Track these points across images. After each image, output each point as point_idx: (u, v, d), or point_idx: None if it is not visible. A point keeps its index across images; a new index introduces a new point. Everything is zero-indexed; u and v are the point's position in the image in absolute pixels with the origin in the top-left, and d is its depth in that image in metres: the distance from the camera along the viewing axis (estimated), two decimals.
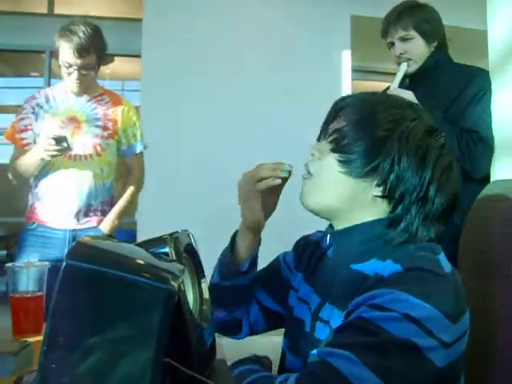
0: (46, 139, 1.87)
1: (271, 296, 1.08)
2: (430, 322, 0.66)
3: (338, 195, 0.84)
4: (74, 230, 2.04)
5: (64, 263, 0.52)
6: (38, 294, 1.22)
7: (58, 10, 3.99)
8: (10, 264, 1.23)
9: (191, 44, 3.50)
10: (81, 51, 1.92)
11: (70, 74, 1.98)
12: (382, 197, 0.81)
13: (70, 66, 1.95)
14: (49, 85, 3.57)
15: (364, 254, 0.81)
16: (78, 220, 2.05)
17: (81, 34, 1.92)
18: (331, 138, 0.86)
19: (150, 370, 0.53)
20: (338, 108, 0.89)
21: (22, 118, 2.06)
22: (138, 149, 2.21)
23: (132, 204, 2.24)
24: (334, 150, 0.84)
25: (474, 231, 1.05)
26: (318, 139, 0.93)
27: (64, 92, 2.08)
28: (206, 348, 0.79)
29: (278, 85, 3.63)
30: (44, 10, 3.93)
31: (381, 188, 0.80)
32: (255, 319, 1.09)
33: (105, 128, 2.09)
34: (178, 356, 0.60)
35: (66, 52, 1.92)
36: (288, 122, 3.54)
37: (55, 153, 1.87)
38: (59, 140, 1.86)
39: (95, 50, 1.98)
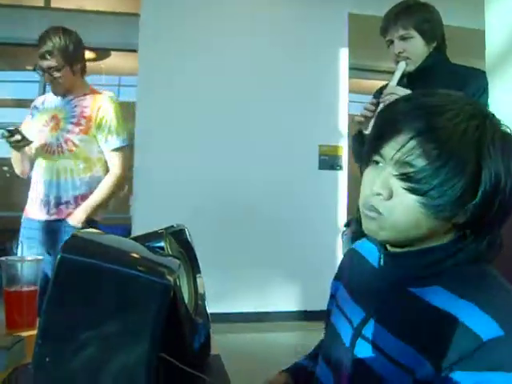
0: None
1: None
2: None
3: (418, 233, 0.73)
4: (45, 220, 2.17)
5: (59, 256, 0.52)
6: (32, 288, 1.22)
7: (54, 4, 3.97)
8: (3, 258, 1.22)
9: (188, 39, 3.49)
10: (43, 54, 2.13)
11: (43, 76, 2.20)
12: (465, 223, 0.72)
13: (41, 69, 2.16)
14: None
15: (426, 279, 0.74)
16: (48, 211, 2.17)
17: (46, 40, 2.14)
18: (401, 172, 0.70)
19: (145, 364, 0.53)
20: (395, 120, 0.72)
21: (25, 121, 2.27)
22: (114, 144, 2.25)
23: (108, 198, 2.28)
24: (411, 192, 0.70)
25: None
26: (369, 157, 0.77)
27: (54, 94, 2.26)
28: (200, 343, 0.79)
29: (274, 82, 3.63)
30: (41, 3, 3.91)
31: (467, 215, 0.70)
32: None
33: (77, 124, 2.20)
34: (173, 350, 0.60)
35: (36, 57, 2.15)
36: (284, 119, 3.53)
37: (13, 144, 2.08)
38: (12, 132, 2.03)
39: (60, 52, 2.15)
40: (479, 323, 0.65)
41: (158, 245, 0.73)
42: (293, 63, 3.67)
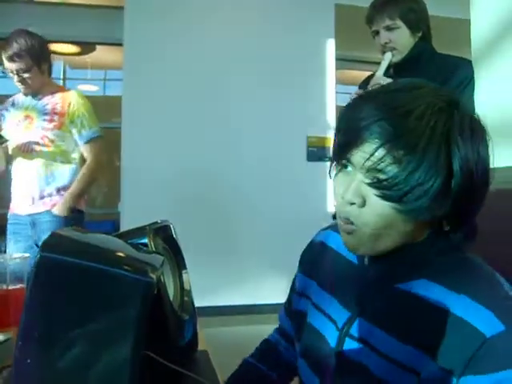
0: None
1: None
2: None
3: (399, 237, 0.71)
4: (30, 214, 2.32)
5: (38, 255, 0.51)
6: (19, 286, 1.21)
7: None
8: None
9: (173, 30, 3.47)
10: (12, 57, 2.23)
11: (13, 78, 2.30)
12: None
13: (10, 71, 2.27)
14: None
15: (410, 274, 0.73)
16: (33, 204, 2.32)
17: (12, 43, 2.23)
18: (373, 180, 0.68)
19: (129, 363, 0.53)
20: (360, 127, 0.69)
21: None
22: (88, 137, 2.41)
23: (88, 187, 2.47)
24: (385, 199, 0.68)
25: None
26: (337, 161, 0.75)
27: (24, 95, 2.40)
28: (187, 339, 0.79)
29: (261, 74, 3.62)
30: None
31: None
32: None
33: (50, 121, 2.33)
34: (159, 348, 0.59)
35: (4, 60, 2.25)
36: (272, 110, 3.52)
37: None
38: None
39: (28, 53, 2.25)
40: (479, 318, 0.64)
41: (142, 241, 0.72)
42: (279, 54, 3.66)
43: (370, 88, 1.74)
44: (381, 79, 1.68)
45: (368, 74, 1.97)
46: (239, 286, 3.53)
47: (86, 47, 4.17)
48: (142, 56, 3.40)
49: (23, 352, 0.51)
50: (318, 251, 0.94)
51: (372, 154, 0.66)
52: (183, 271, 0.87)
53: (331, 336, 0.79)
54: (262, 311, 3.54)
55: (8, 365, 0.84)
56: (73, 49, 4.14)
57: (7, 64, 2.26)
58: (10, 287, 1.20)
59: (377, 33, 1.75)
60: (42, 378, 0.51)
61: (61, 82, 5.23)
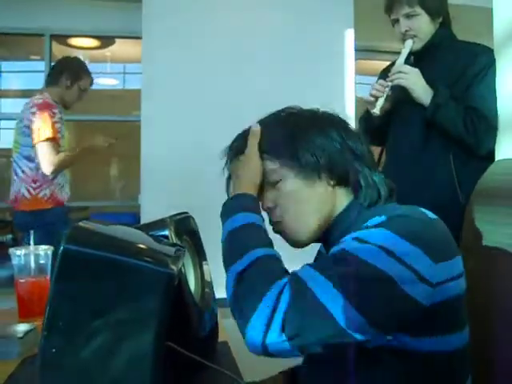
0: None
1: None
2: (407, 256, 0.67)
3: (314, 210, 0.84)
4: None
5: (61, 247, 0.52)
6: (43, 277, 1.23)
7: None
8: (14, 248, 1.23)
9: (192, 24, 3.47)
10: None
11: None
12: (337, 183, 0.85)
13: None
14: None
15: (345, 234, 0.80)
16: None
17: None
18: (268, 182, 0.86)
19: (151, 353, 0.53)
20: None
21: (56, 122, 2.41)
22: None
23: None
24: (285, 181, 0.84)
25: (479, 209, 1.04)
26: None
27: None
28: (207, 330, 0.79)
29: (279, 66, 3.60)
30: None
31: (328, 177, 0.84)
32: None
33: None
34: (180, 339, 0.60)
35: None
36: (289, 103, 3.50)
37: None
38: None
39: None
40: (372, 222, 0.75)
41: (163, 233, 0.73)
42: (298, 45, 3.63)
43: (391, 76, 1.73)
44: (401, 67, 1.65)
45: (385, 63, 1.95)
46: None
47: (106, 41, 4.19)
48: (160, 49, 3.41)
49: (49, 341, 0.52)
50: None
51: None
52: (204, 262, 0.88)
53: None
54: None
55: (33, 354, 0.86)
56: (92, 43, 4.17)
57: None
58: (35, 279, 1.22)
59: (396, 21, 1.72)
60: (67, 367, 0.52)
61: None
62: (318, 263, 0.73)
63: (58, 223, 2.39)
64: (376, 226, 0.73)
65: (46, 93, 2.49)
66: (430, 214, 0.78)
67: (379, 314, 0.66)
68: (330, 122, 0.90)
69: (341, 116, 0.95)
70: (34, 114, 2.36)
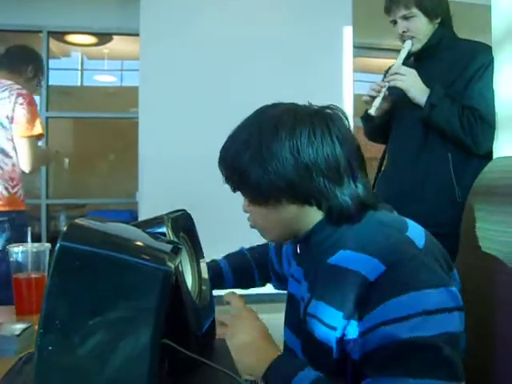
0: None
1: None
2: (442, 303, 0.70)
3: (277, 227, 0.86)
4: None
5: (58, 245, 0.51)
6: (40, 274, 1.23)
7: None
8: (11, 246, 1.23)
9: (190, 22, 3.46)
10: None
11: None
12: (303, 203, 0.82)
13: None
14: (47, 65, 3.53)
15: (332, 248, 0.83)
16: None
17: None
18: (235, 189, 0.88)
19: (148, 351, 0.53)
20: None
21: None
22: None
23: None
24: (250, 202, 0.86)
25: (477, 207, 1.04)
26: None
27: None
28: (204, 328, 0.79)
29: (277, 61, 3.59)
30: None
31: (289, 200, 0.82)
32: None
33: None
34: (177, 336, 0.60)
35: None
36: (286, 99, 3.49)
37: None
38: None
39: None
40: (367, 267, 0.73)
41: (160, 230, 0.73)
42: (295, 42, 3.62)
43: (388, 77, 1.73)
44: (398, 68, 1.65)
45: (387, 61, 1.95)
46: None
47: (103, 38, 4.18)
48: (158, 46, 3.40)
49: (45, 339, 0.52)
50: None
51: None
52: (201, 260, 0.87)
53: (302, 315, 0.89)
54: (281, 300, 3.55)
55: (30, 352, 0.86)
56: (90, 39, 4.15)
57: None
58: (32, 276, 1.22)
59: (395, 22, 1.72)
60: (63, 365, 0.52)
61: (78, 73, 5.27)
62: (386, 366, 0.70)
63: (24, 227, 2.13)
64: (378, 280, 0.72)
65: (7, 81, 2.23)
66: (417, 239, 0.78)
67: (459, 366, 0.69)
68: (290, 134, 0.81)
69: (325, 111, 0.87)
70: (21, 104, 2.16)
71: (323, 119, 0.83)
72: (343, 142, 0.81)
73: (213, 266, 1.18)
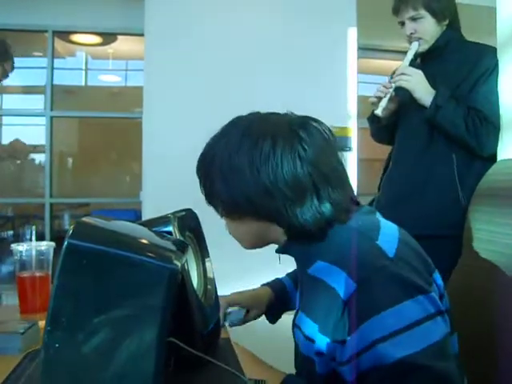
0: None
1: None
2: (423, 312, 0.69)
3: (250, 238, 0.86)
4: None
5: (65, 243, 0.52)
6: (44, 273, 1.23)
7: None
8: (15, 244, 1.23)
9: (195, 21, 3.46)
10: None
11: None
12: (265, 220, 0.80)
13: None
14: (52, 65, 3.54)
15: (309, 259, 0.82)
16: None
17: None
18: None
19: (154, 349, 0.53)
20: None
21: None
22: None
23: None
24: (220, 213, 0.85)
25: (480, 209, 1.04)
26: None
27: None
28: (210, 327, 0.80)
29: (281, 64, 3.59)
30: None
31: (252, 214, 0.80)
32: None
33: None
34: (182, 335, 0.60)
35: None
36: (291, 101, 3.49)
37: None
38: None
39: None
40: (339, 282, 0.72)
41: (166, 229, 0.73)
42: (299, 44, 3.62)
43: (395, 78, 1.73)
44: (405, 69, 1.65)
45: (392, 63, 1.95)
46: (262, 273, 3.53)
47: (108, 38, 4.18)
48: (163, 46, 3.40)
49: (52, 337, 0.52)
50: None
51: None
52: (206, 259, 0.88)
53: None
54: None
55: (33, 350, 0.86)
56: (94, 39, 4.16)
57: None
58: (36, 274, 1.22)
59: (402, 23, 1.72)
60: (70, 362, 0.52)
61: (83, 73, 5.28)
62: None
63: None
64: (349, 299, 0.70)
65: None
66: (387, 247, 0.75)
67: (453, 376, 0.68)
68: (251, 148, 0.78)
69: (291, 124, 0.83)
70: None
71: (290, 134, 0.79)
72: (306, 160, 0.76)
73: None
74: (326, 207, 0.77)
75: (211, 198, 0.83)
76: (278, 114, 0.88)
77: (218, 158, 0.81)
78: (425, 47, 1.69)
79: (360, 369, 0.69)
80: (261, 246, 0.89)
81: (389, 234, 0.79)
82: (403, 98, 1.69)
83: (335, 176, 0.80)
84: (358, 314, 0.69)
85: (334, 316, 0.71)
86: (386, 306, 0.67)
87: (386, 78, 1.90)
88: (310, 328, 0.77)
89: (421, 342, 0.66)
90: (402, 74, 1.63)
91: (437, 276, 0.80)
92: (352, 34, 3.73)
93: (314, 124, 0.83)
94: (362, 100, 3.58)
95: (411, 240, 0.81)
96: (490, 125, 1.51)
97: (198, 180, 0.88)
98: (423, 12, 1.65)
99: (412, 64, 1.69)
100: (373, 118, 1.79)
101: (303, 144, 0.77)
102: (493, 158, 1.48)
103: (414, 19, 1.67)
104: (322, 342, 0.74)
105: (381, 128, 1.81)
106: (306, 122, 0.83)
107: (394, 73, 1.80)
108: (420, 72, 1.62)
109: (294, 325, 0.86)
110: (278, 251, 0.87)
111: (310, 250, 0.81)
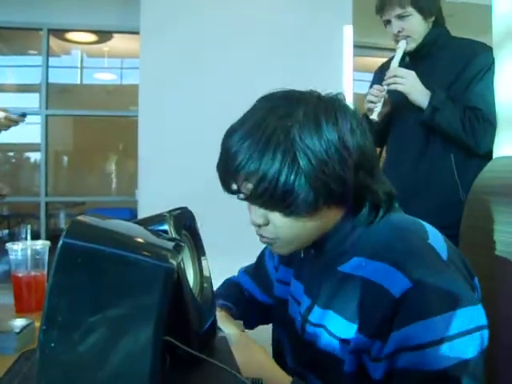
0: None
1: (261, 288, 1.11)
2: (468, 324, 0.67)
3: (308, 236, 0.80)
4: None
5: (60, 241, 0.51)
6: (39, 272, 1.23)
7: None
8: (11, 243, 1.23)
9: (191, 19, 3.46)
10: None
11: None
12: (343, 203, 0.77)
13: None
14: (47, 63, 3.53)
15: (345, 255, 0.79)
16: None
17: None
18: (259, 202, 0.76)
19: (150, 348, 0.53)
20: (233, 159, 0.76)
21: None
22: None
23: None
24: (282, 215, 0.76)
25: (477, 207, 1.04)
26: (233, 193, 0.82)
27: None
28: (206, 325, 0.79)
29: (277, 60, 3.59)
30: None
31: (324, 206, 0.75)
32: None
33: None
34: (178, 334, 0.60)
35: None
36: None
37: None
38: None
39: None
40: (389, 279, 0.69)
41: (162, 228, 0.73)
42: (295, 42, 3.62)
43: (386, 80, 1.73)
44: (397, 70, 1.65)
45: (383, 60, 1.94)
46: None
47: (103, 36, 4.18)
48: (158, 44, 3.40)
49: (47, 336, 0.52)
50: None
51: (253, 189, 0.73)
52: (202, 258, 0.87)
53: (299, 323, 0.86)
54: None
55: (28, 350, 0.86)
56: (90, 37, 4.16)
57: None
58: (31, 273, 1.22)
59: (388, 22, 1.71)
60: (66, 361, 0.52)
61: (78, 71, 5.26)
62: None
63: None
64: (404, 297, 0.67)
65: None
66: (440, 248, 0.73)
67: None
68: (333, 123, 0.72)
69: (338, 102, 0.79)
70: None
71: (347, 109, 0.76)
72: (365, 134, 0.76)
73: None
74: (387, 185, 0.79)
75: (273, 198, 0.73)
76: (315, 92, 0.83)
77: (286, 142, 0.70)
78: (413, 46, 1.69)
79: (394, 367, 0.68)
80: (300, 248, 0.83)
81: (436, 234, 0.76)
82: (396, 100, 1.69)
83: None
84: (408, 313, 0.67)
85: (381, 315, 0.69)
86: (439, 310, 0.66)
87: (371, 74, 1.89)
88: (345, 328, 0.74)
89: (459, 354, 0.65)
90: (395, 76, 1.62)
91: (476, 280, 0.78)
92: (348, 31, 3.74)
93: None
94: (357, 98, 3.59)
95: (451, 242, 0.78)
96: (487, 122, 1.52)
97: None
98: (410, 9, 1.64)
99: (401, 63, 1.69)
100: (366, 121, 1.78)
101: (357, 119, 0.76)
102: (489, 156, 1.48)
103: (400, 17, 1.66)
104: (361, 340, 0.71)
105: (374, 132, 1.81)
106: (339, 96, 0.81)
107: (379, 70, 1.79)
108: (413, 73, 1.61)
109: (307, 321, 0.83)
110: (310, 246, 0.82)
111: (346, 245, 0.78)
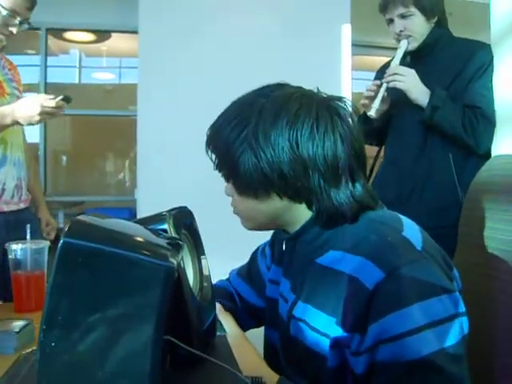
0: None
1: (254, 290, 1.10)
2: (445, 311, 0.67)
3: (263, 218, 0.82)
4: (16, 211, 1.77)
5: (61, 241, 0.52)
6: (39, 271, 1.23)
7: None
8: (10, 243, 1.23)
9: (189, 18, 3.45)
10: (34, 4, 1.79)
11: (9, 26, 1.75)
12: (293, 199, 0.78)
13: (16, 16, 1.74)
14: (45, 63, 3.52)
15: (321, 247, 0.79)
16: (20, 199, 1.80)
17: None
18: (221, 171, 0.84)
19: (151, 347, 0.53)
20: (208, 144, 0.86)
21: None
22: None
23: None
24: (237, 191, 0.82)
25: (475, 205, 1.04)
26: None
27: None
28: (206, 324, 0.80)
29: (275, 60, 3.59)
30: None
31: (278, 194, 0.77)
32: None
33: (18, 90, 1.87)
34: (179, 333, 0.60)
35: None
36: None
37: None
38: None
39: None
40: (364, 273, 0.69)
41: (161, 227, 0.73)
42: (293, 40, 3.62)
43: (386, 77, 1.73)
44: (397, 68, 1.65)
45: (384, 59, 1.94)
46: None
47: (102, 35, 4.17)
48: (157, 43, 3.40)
49: (48, 335, 0.52)
50: (280, 241, 1.00)
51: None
52: (202, 257, 0.88)
53: (286, 320, 0.86)
54: None
55: (30, 349, 0.86)
56: (88, 37, 4.15)
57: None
58: (31, 273, 1.22)
59: (391, 21, 1.72)
60: (66, 361, 0.52)
61: (76, 70, 5.26)
62: None
63: None
64: (377, 289, 0.67)
65: None
66: (415, 240, 0.72)
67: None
68: (292, 122, 0.75)
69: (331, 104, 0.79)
70: None
71: (329, 112, 0.76)
72: (346, 140, 0.75)
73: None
74: (359, 190, 0.77)
75: (228, 169, 0.80)
76: (306, 89, 0.85)
77: (250, 128, 0.75)
78: (414, 45, 1.69)
79: (375, 360, 0.68)
80: (267, 229, 0.87)
81: (412, 226, 0.76)
82: (395, 98, 1.69)
83: (364, 159, 0.80)
84: (383, 304, 0.67)
85: (358, 308, 0.69)
86: (415, 299, 0.66)
87: (374, 74, 1.90)
88: (324, 321, 0.75)
89: (439, 342, 0.65)
90: (395, 74, 1.63)
91: (455, 271, 0.78)
92: (346, 30, 3.73)
93: (346, 104, 0.81)
94: (356, 97, 3.59)
95: (428, 235, 0.78)
96: (486, 120, 1.52)
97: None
98: (413, 9, 1.65)
99: (402, 62, 1.69)
100: (364, 119, 1.78)
101: (343, 122, 0.76)
102: (487, 155, 1.48)
103: (403, 16, 1.67)
104: (339, 333, 0.72)
105: (372, 130, 1.80)
106: (340, 101, 0.80)
107: (381, 71, 1.80)
108: (413, 72, 1.61)
109: (292, 317, 0.83)
110: (286, 238, 0.85)
111: (322, 238, 0.79)
